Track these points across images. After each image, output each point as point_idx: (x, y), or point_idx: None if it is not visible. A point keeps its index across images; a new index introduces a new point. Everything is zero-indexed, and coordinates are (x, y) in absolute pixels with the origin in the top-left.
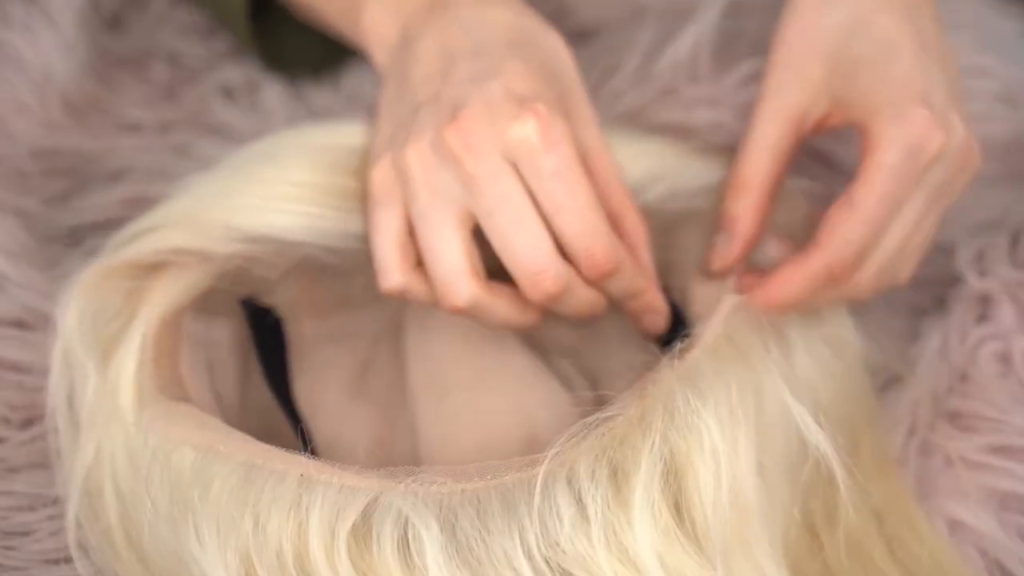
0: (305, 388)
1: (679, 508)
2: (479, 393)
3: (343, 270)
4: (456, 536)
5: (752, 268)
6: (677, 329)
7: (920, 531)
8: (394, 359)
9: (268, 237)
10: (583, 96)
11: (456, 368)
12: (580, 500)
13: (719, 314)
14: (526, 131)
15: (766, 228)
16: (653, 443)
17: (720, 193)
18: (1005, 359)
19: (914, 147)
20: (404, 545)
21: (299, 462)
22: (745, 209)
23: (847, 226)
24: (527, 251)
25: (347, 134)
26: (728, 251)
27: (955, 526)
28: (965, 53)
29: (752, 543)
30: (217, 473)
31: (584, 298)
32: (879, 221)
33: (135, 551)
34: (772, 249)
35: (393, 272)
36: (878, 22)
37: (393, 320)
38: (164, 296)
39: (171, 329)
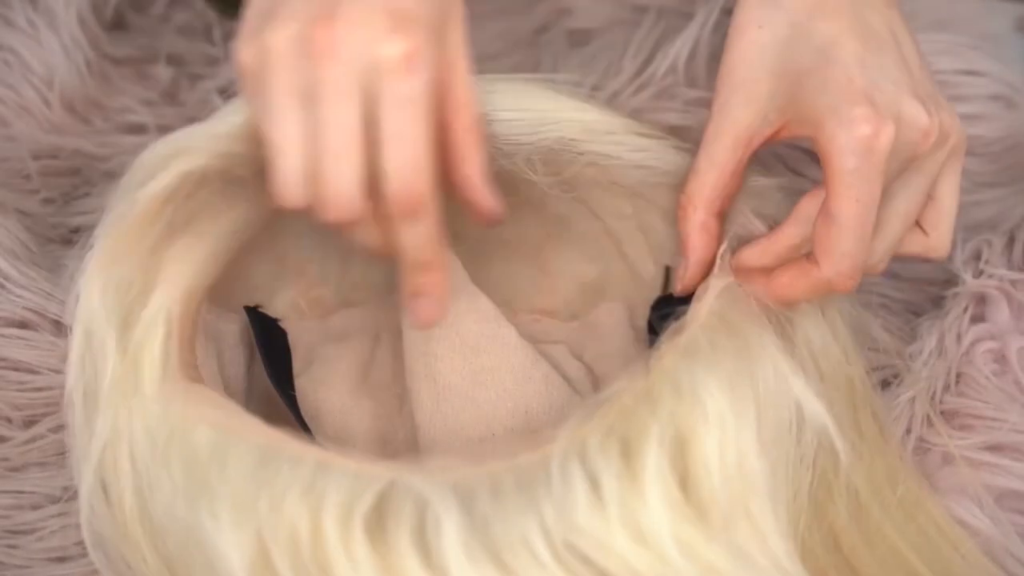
0: (308, 386)
1: (686, 480)
2: (477, 390)
3: (342, 268)
4: (473, 518)
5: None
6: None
7: (921, 499)
8: (395, 354)
9: None
10: (461, 23)
11: (454, 367)
12: (594, 477)
13: (710, 293)
14: (394, 51)
15: (717, 248)
16: (660, 417)
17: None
18: (1001, 358)
19: (864, 146)
20: (420, 529)
21: (313, 449)
22: (692, 228)
23: (836, 240)
24: (333, 177)
25: None
26: (686, 274)
27: None
28: (959, 53)
29: (757, 514)
30: (233, 453)
31: (369, 238)
32: (863, 224)
33: (146, 529)
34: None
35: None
36: (817, 29)
37: (393, 317)
38: (182, 268)
39: (191, 311)
